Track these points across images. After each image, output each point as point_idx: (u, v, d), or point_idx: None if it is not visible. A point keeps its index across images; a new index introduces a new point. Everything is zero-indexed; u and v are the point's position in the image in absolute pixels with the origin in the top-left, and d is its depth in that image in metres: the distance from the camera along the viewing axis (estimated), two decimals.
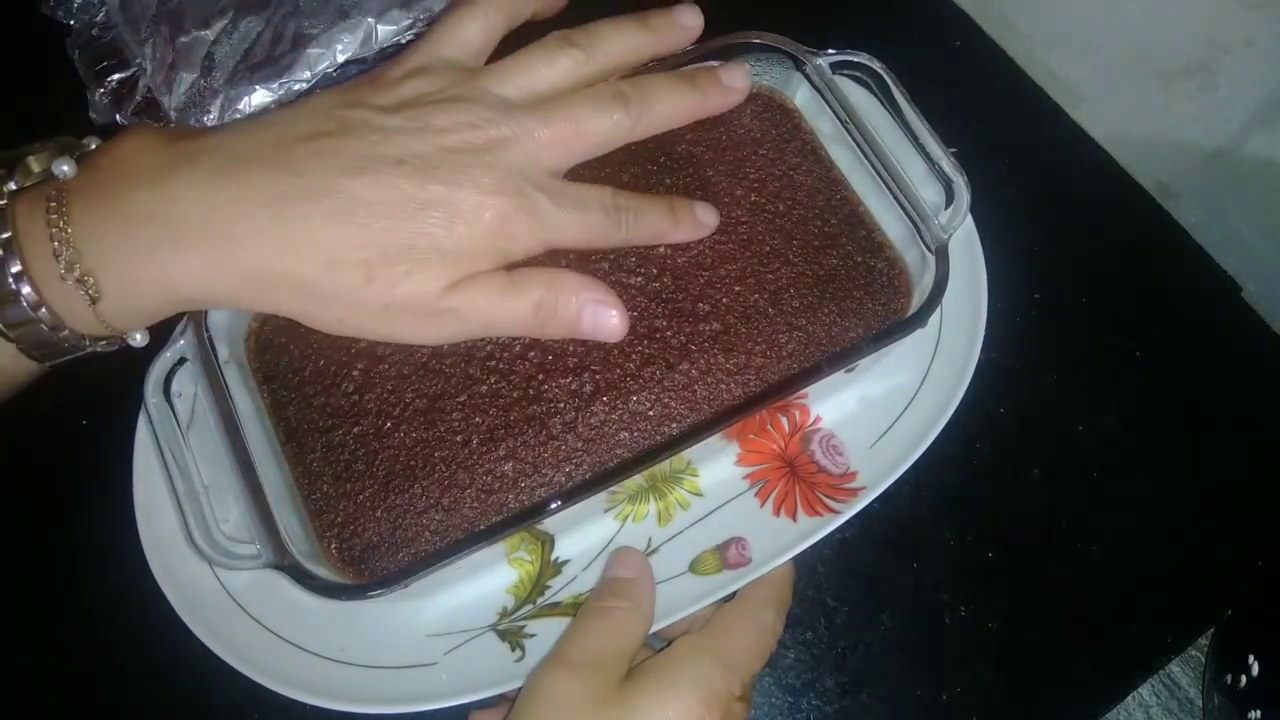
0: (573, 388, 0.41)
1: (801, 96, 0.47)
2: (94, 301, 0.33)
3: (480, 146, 0.35)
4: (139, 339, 0.37)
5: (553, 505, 0.37)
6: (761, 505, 0.43)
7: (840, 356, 0.40)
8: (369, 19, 0.50)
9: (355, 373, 0.42)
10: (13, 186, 0.34)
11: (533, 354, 0.42)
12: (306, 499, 0.40)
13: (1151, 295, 0.56)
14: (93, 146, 0.35)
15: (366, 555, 0.39)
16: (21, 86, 0.58)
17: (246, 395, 0.41)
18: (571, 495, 0.37)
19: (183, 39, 0.55)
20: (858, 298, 0.44)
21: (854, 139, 0.44)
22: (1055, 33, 0.60)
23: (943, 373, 0.45)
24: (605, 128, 0.39)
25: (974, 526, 0.50)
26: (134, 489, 0.42)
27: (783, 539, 0.42)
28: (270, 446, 0.41)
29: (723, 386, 0.42)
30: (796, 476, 0.44)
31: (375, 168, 0.34)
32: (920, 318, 0.40)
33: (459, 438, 0.41)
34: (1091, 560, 0.49)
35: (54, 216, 0.32)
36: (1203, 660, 0.47)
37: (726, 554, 0.42)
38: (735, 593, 0.41)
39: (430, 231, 0.34)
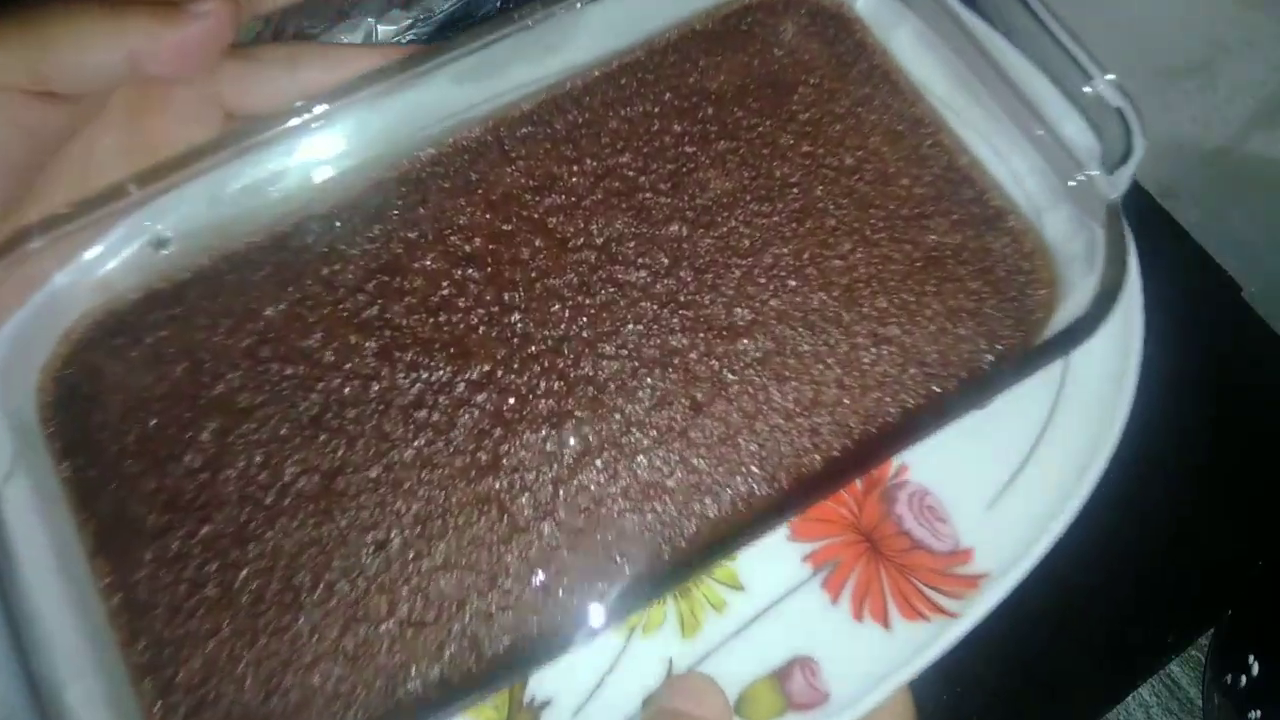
0: (547, 447, 0.29)
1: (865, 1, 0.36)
2: None
3: None
4: None
5: (524, 663, 0.23)
6: (834, 602, 0.30)
7: (971, 388, 0.27)
8: (369, 18, 0.51)
9: (205, 436, 0.29)
10: None
11: (482, 396, 0.29)
12: (125, 649, 0.27)
13: (1151, 295, 0.55)
14: None
15: None
16: None
17: (30, 476, 0.28)
18: (553, 651, 0.23)
19: None
20: (974, 291, 0.32)
21: (950, 55, 0.33)
22: None
23: (1079, 398, 0.32)
24: None
25: None
26: None
27: (875, 658, 0.29)
28: (64, 562, 0.28)
29: (780, 436, 0.29)
30: (881, 556, 0.31)
31: None
32: (1092, 321, 0.27)
33: (370, 537, 0.28)
34: (1091, 560, 0.47)
35: None
36: (1203, 660, 0.50)
37: (789, 685, 0.29)
38: None
39: None
